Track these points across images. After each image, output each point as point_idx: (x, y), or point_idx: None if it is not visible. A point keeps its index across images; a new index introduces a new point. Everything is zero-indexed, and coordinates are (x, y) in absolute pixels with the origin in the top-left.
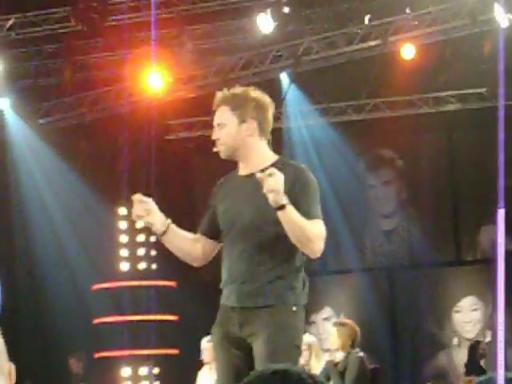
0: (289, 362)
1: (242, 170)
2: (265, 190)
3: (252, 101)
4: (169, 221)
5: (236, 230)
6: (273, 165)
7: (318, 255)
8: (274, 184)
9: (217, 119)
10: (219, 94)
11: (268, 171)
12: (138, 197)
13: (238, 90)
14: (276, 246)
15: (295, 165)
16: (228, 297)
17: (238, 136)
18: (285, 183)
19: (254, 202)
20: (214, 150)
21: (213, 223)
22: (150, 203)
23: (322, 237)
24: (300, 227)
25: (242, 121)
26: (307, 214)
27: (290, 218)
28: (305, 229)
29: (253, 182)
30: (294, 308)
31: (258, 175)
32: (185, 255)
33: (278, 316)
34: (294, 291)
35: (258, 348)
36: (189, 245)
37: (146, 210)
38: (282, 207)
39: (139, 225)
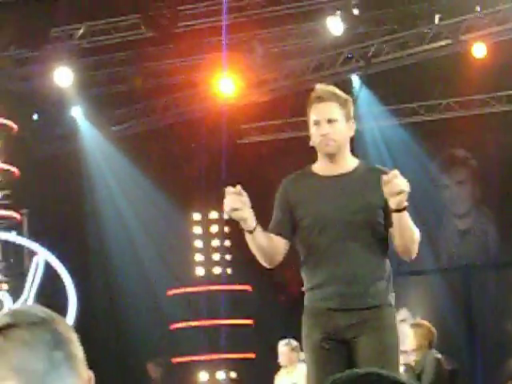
0: (394, 363)
1: (328, 170)
2: (390, 191)
3: (350, 100)
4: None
5: (335, 230)
6: (359, 167)
7: (412, 258)
8: (403, 185)
9: (326, 114)
10: (323, 88)
11: (394, 173)
12: (234, 189)
13: (333, 88)
14: (377, 247)
15: (381, 168)
16: (328, 298)
17: (346, 134)
18: (377, 185)
19: (355, 203)
20: (311, 144)
21: (288, 222)
22: (246, 197)
23: (419, 241)
24: (411, 230)
25: (348, 120)
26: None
27: (406, 220)
28: (414, 232)
29: (345, 182)
30: (395, 309)
31: (385, 177)
32: (265, 255)
33: (384, 317)
34: (391, 292)
35: (366, 349)
36: (269, 244)
37: (242, 204)
38: (404, 209)
39: (198, 217)
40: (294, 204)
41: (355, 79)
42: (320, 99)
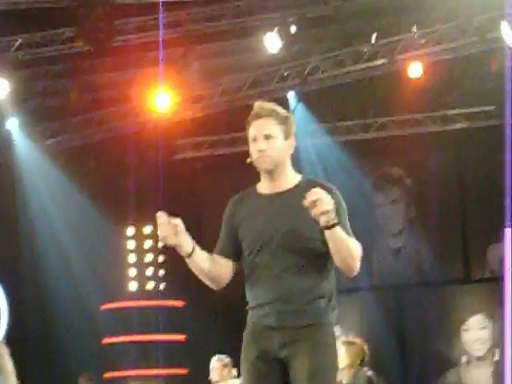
0: (329, 382)
1: (268, 188)
2: (315, 212)
3: (290, 117)
4: (194, 242)
5: (272, 249)
6: (300, 184)
7: (354, 274)
8: (327, 204)
9: (263, 130)
10: (262, 105)
11: (315, 191)
12: (166, 217)
13: (273, 104)
14: (316, 264)
15: (325, 184)
16: (265, 316)
17: (284, 151)
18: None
19: (290, 222)
20: (248, 160)
21: (231, 243)
22: (179, 224)
23: (360, 255)
24: (347, 246)
25: (287, 136)
26: (346, 233)
27: (340, 236)
28: (350, 247)
29: (284, 201)
30: (334, 327)
31: (307, 196)
32: (207, 277)
33: (320, 336)
34: (333, 310)
35: (300, 368)
36: (212, 266)
37: (174, 231)
38: (332, 226)
39: (131, 232)
40: (236, 224)
41: (291, 96)
42: (258, 116)
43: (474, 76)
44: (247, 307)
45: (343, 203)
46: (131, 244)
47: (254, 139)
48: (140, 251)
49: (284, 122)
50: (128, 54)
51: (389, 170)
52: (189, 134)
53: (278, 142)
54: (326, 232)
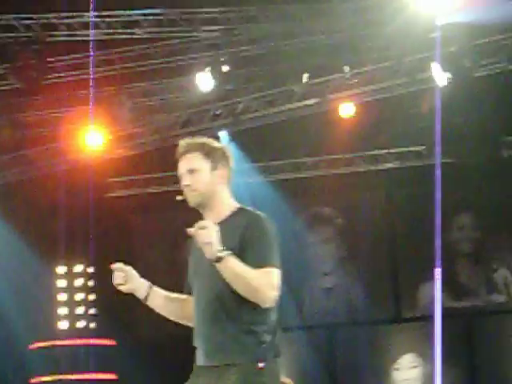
0: None
1: (209, 220)
2: (199, 244)
3: (219, 148)
4: (150, 286)
5: (198, 285)
6: (232, 215)
7: (269, 305)
8: (206, 236)
9: (187, 165)
10: (185, 141)
11: (200, 223)
12: (117, 265)
13: (201, 138)
14: (239, 299)
15: (251, 212)
16: (197, 355)
17: (211, 183)
18: (236, 230)
19: None
20: (178, 198)
21: (189, 281)
22: (129, 271)
23: (271, 285)
24: (243, 278)
25: (214, 167)
26: (256, 262)
27: (230, 269)
28: (249, 279)
29: (220, 232)
30: (261, 364)
31: (189, 230)
32: (171, 316)
33: (243, 374)
34: (261, 345)
35: None
36: (177, 306)
37: (125, 278)
38: (218, 260)
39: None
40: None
41: (223, 135)
42: (181, 153)
43: (404, 116)
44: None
45: (266, 230)
46: (62, 282)
47: (180, 176)
48: (71, 290)
49: (209, 153)
50: (59, 91)
51: (320, 210)
52: (120, 173)
53: (202, 175)
54: (216, 265)
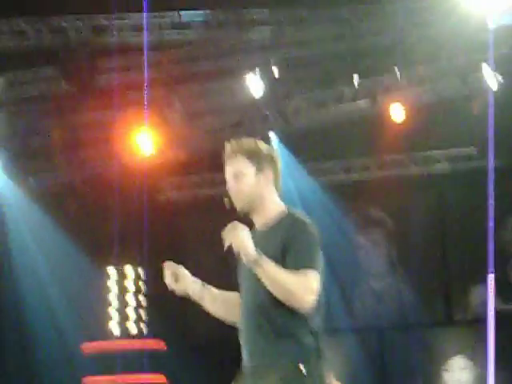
0: None
1: (257, 223)
2: (234, 247)
3: (266, 150)
4: (202, 283)
5: (242, 288)
6: (283, 219)
7: (307, 309)
8: (235, 238)
9: (232, 169)
10: (231, 144)
11: (229, 226)
12: (168, 263)
13: (247, 140)
14: (278, 303)
15: (295, 216)
16: (243, 356)
17: (257, 186)
18: (279, 233)
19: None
20: (227, 204)
21: None
22: (179, 270)
23: (309, 289)
24: (280, 281)
25: (260, 170)
26: (296, 264)
27: (266, 272)
28: (286, 283)
29: (260, 240)
30: (302, 366)
31: (223, 233)
32: (224, 319)
33: (284, 375)
34: (302, 347)
35: None
36: (230, 305)
37: (176, 276)
38: (254, 262)
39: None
40: None
41: (273, 137)
42: (227, 157)
43: (456, 117)
44: None
45: (308, 234)
46: (113, 284)
47: (227, 181)
48: (122, 291)
49: (254, 155)
50: (110, 94)
51: (371, 212)
52: (172, 175)
53: (247, 179)
54: (252, 268)
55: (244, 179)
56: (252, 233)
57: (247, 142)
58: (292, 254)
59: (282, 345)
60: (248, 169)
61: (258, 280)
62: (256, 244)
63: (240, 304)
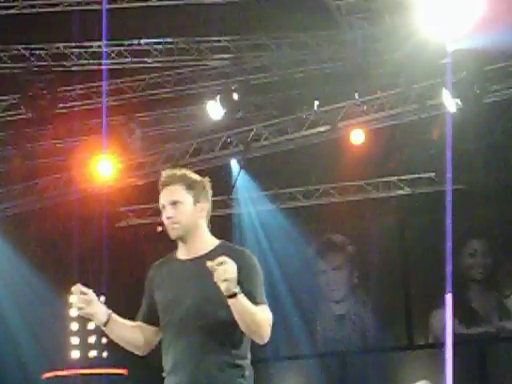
0: None
1: (184, 253)
2: (216, 279)
3: (201, 182)
4: (110, 311)
5: (181, 315)
6: (216, 249)
7: (266, 341)
8: (228, 273)
9: (170, 197)
10: (169, 172)
11: (219, 259)
12: (77, 287)
13: (183, 170)
14: (226, 332)
15: (240, 249)
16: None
17: (193, 216)
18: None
19: (200, 287)
20: (159, 229)
21: (152, 309)
22: (90, 294)
23: (270, 323)
24: (251, 314)
25: (197, 201)
26: (254, 300)
27: (242, 305)
28: (255, 316)
29: (197, 266)
30: None
31: (209, 264)
32: (128, 344)
33: None
34: (244, 379)
35: None
36: (131, 333)
37: (86, 301)
38: (234, 295)
39: (74, 314)
40: (153, 290)
41: (234, 164)
42: (164, 184)
43: (415, 142)
44: (163, 373)
45: (258, 269)
46: (74, 312)
47: (162, 207)
48: (83, 319)
49: (192, 186)
50: (70, 121)
51: (332, 237)
52: (132, 202)
53: (185, 208)
54: (229, 300)
55: (182, 208)
56: (178, 262)
57: (185, 173)
58: (251, 290)
59: (229, 374)
60: (186, 198)
61: (207, 308)
62: (195, 271)
63: (174, 331)
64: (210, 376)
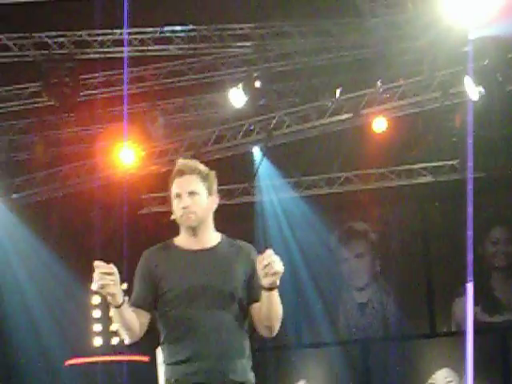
0: None
1: (190, 244)
2: (266, 272)
3: (212, 174)
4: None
5: (202, 304)
6: (222, 242)
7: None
8: (279, 267)
9: (187, 186)
10: (185, 163)
11: (268, 253)
12: (104, 265)
13: (196, 162)
14: (243, 323)
15: (247, 244)
16: (193, 374)
17: (207, 208)
18: (251, 262)
19: (222, 278)
20: (172, 217)
21: (150, 296)
22: (116, 273)
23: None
24: (279, 307)
25: (210, 193)
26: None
27: (276, 298)
28: (280, 310)
29: (210, 256)
30: None
31: (261, 257)
32: (129, 330)
33: None
34: (252, 371)
35: None
36: (135, 320)
37: (113, 280)
38: (274, 288)
39: (96, 301)
40: (156, 277)
41: (256, 151)
42: (181, 173)
43: (437, 130)
44: (165, 362)
45: None
46: (96, 299)
47: (178, 196)
48: (105, 306)
49: (206, 179)
50: (93, 108)
51: (354, 225)
52: (154, 189)
53: (202, 199)
54: (265, 293)
55: (198, 198)
56: (186, 252)
57: (200, 165)
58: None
59: (246, 365)
60: (202, 189)
61: (236, 302)
62: (211, 260)
63: (197, 322)
64: (229, 364)
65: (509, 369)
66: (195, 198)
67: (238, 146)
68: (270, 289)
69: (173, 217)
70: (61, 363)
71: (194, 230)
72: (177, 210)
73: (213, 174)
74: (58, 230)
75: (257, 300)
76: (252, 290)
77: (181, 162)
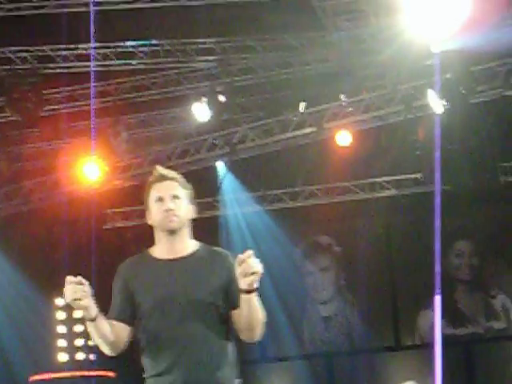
0: None
1: (166, 253)
2: (245, 272)
3: (191, 186)
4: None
5: (177, 315)
6: (199, 249)
7: (257, 341)
8: (258, 267)
9: (172, 190)
10: (165, 169)
11: (248, 253)
12: (75, 279)
13: (176, 172)
14: (220, 331)
15: (224, 251)
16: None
17: (188, 214)
18: (228, 268)
19: (197, 287)
20: (150, 222)
21: (128, 308)
22: (87, 286)
23: (264, 322)
24: (259, 312)
25: (189, 202)
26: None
27: (256, 301)
28: (260, 313)
29: (187, 265)
30: None
31: (240, 256)
32: (107, 343)
33: None
34: (236, 378)
35: None
36: (111, 332)
37: (84, 293)
38: (254, 290)
39: (61, 303)
40: (133, 289)
41: (220, 165)
42: (162, 178)
43: (401, 143)
44: (145, 375)
45: None
46: (61, 314)
47: (160, 200)
48: (70, 322)
49: (186, 187)
50: (57, 123)
51: (318, 238)
52: (118, 204)
53: (184, 204)
54: (245, 296)
55: (181, 203)
56: (161, 261)
57: (178, 174)
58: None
59: (226, 374)
60: (183, 196)
61: (213, 307)
62: (188, 269)
63: (173, 333)
64: (207, 374)
65: (473, 381)
66: (178, 202)
67: (201, 160)
68: (249, 291)
69: (150, 222)
70: (25, 379)
71: (172, 235)
72: (158, 213)
73: (190, 185)
74: (21, 246)
75: (237, 305)
76: (231, 296)
77: (160, 168)
